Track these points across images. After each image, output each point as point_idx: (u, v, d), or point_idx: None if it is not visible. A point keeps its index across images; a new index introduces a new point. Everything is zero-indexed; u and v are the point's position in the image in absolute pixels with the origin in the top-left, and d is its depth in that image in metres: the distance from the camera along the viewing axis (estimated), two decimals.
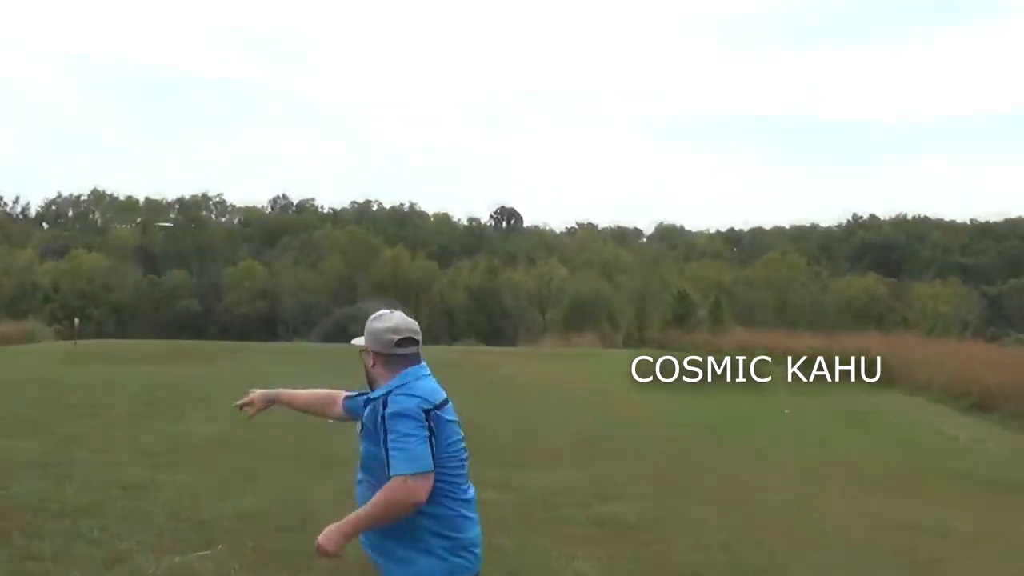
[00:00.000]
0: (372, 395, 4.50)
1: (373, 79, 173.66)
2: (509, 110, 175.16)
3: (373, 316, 4.60)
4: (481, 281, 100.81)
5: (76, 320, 68.68)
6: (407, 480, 4.18)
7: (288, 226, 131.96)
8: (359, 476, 4.56)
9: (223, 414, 15.21)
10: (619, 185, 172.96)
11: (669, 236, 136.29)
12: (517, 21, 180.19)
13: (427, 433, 4.26)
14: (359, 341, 4.60)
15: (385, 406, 4.31)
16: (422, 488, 4.20)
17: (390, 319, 4.54)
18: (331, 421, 5.14)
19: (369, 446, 4.43)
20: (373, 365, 4.52)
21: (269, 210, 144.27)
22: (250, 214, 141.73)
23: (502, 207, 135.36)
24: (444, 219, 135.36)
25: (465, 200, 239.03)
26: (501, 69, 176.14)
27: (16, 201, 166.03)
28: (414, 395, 4.33)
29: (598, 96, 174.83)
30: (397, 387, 4.38)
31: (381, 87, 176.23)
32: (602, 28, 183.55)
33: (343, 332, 75.23)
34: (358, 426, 4.58)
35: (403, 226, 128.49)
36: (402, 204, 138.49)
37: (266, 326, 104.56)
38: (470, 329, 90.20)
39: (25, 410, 18.41)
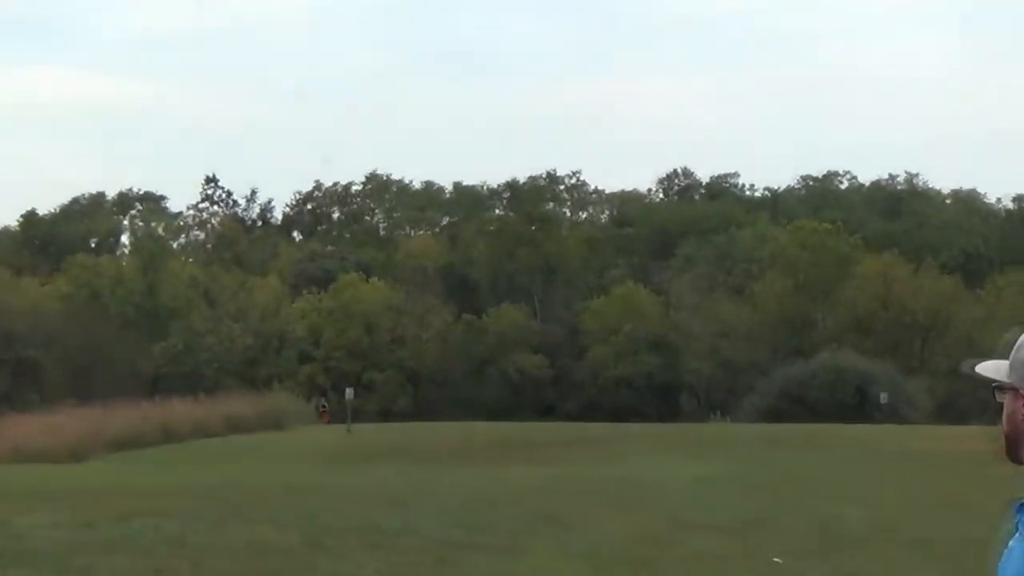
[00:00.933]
0: None
1: None
2: None
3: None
4: None
5: (349, 392, 56.33)
6: None
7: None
8: None
9: None
10: None
11: None
12: None
13: None
14: (991, 368, 3.02)
15: None
16: None
17: None
18: None
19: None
20: None
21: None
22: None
23: None
24: None
25: None
26: None
27: (252, 198, 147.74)
28: None
29: None
30: None
31: None
32: None
33: (797, 405, 69.14)
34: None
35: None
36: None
37: (660, 396, 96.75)
38: None
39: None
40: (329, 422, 62.29)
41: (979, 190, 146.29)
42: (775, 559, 14.19)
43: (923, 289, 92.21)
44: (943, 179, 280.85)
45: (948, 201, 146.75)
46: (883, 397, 62.53)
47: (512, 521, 15.99)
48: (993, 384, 3.02)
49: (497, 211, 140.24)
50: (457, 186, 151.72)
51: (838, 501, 21.05)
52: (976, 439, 40.03)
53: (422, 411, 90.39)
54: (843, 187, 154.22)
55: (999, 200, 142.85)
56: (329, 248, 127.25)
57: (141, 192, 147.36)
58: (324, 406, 69.43)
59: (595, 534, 15.11)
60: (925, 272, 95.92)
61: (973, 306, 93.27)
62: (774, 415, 68.24)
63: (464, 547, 13.54)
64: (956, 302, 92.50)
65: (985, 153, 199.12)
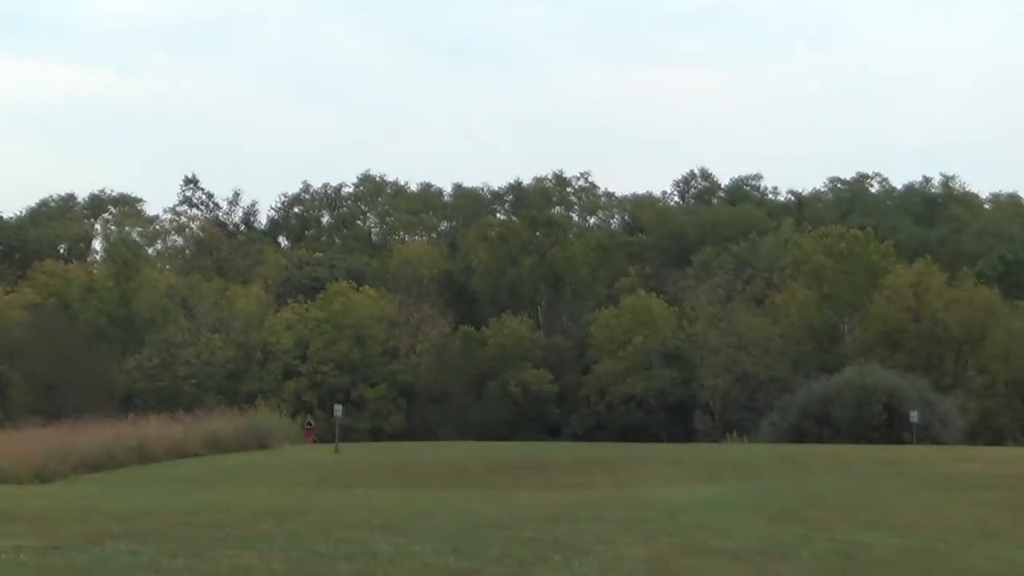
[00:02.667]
0: None
1: None
2: None
3: None
4: None
5: (338, 409, 55.93)
6: None
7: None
8: None
9: None
10: None
11: None
12: None
13: None
14: None
15: None
16: None
17: None
18: None
19: None
20: None
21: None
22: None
23: None
24: None
25: None
26: None
27: (234, 201, 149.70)
28: None
29: None
30: None
31: None
32: None
33: (820, 424, 69.07)
34: None
35: None
36: None
37: (673, 414, 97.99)
38: None
39: None
40: (315, 441, 62.41)
41: (1021, 194, 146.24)
42: None
43: (958, 300, 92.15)
44: (982, 182, 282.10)
45: (987, 206, 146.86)
46: (914, 416, 62.49)
47: (517, 547, 15.96)
48: None
49: (499, 215, 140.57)
50: (457, 188, 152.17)
51: (865, 527, 21.05)
52: (1015, 461, 40.08)
53: (416, 430, 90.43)
54: (874, 190, 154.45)
55: None
56: (318, 254, 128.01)
57: (115, 194, 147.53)
58: (310, 424, 69.68)
59: (607, 561, 15.11)
60: (961, 282, 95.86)
61: (1012, 318, 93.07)
62: (796, 435, 68.28)
63: (463, 574, 13.55)
64: (994, 314, 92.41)
65: None
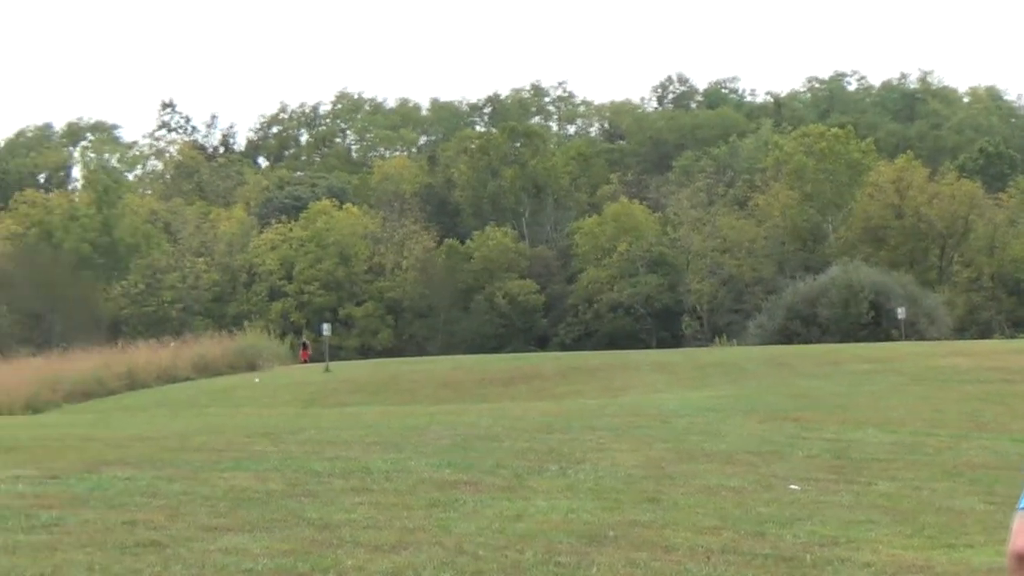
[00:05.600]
0: None
1: None
2: None
3: None
4: None
5: (326, 328, 53.65)
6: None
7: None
8: None
9: None
10: None
11: None
12: None
13: None
14: None
15: None
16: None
17: None
18: None
19: None
20: None
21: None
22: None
23: None
24: None
25: None
26: None
27: (212, 124, 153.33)
28: None
29: None
30: None
31: None
32: None
33: (808, 324, 69.17)
34: None
35: None
36: None
37: (661, 320, 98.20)
38: None
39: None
40: (308, 360, 62.47)
41: (999, 86, 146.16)
42: (792, 486, 14.27)
43: (941, 195, 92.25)
44: (960, 76, 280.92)
45: (966, 99, 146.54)
46: (900, 312, 62.64)
47: (512, 458, 16.01)
48: None
49: (478, 128, 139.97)
50: (434, 103, 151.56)
51: (857, 425, 21.15)
52: (1004, 354, 40.27)
53: (405, 346, 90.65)
54: (852, 88, 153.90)
55: (1021, 96, 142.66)
56: (298, 174, 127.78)
57: (92, 121, 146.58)
58: (305, 343, 69.61)
59: (602, 469, 15.16)
60: (942, 176, 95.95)
61: (995, 211, 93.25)
62: (783, 336, 68.51)
63: (460, 486, 13.51)
64: (977, 207, 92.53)
65: (1006, 46, 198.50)
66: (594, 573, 9.62)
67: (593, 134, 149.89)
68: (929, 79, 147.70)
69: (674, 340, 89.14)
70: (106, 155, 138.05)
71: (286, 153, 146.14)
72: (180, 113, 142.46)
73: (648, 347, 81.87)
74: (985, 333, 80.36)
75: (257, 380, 47.89)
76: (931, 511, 12.72)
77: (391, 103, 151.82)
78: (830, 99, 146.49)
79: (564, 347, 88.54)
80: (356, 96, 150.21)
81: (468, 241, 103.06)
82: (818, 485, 14.36)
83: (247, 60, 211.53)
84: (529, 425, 20.79)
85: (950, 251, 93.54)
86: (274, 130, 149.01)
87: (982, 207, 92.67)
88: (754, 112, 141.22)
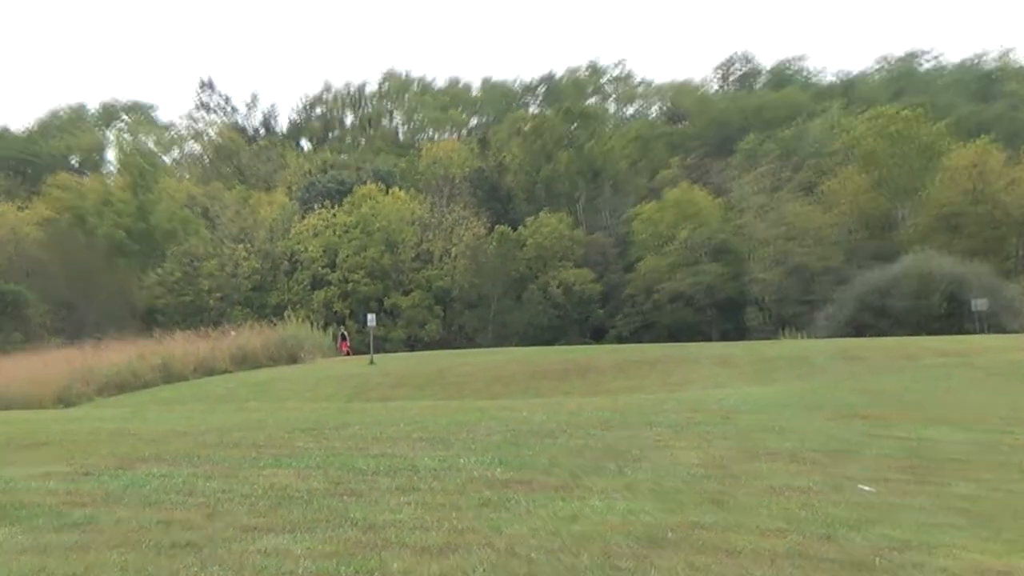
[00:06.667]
0: None
1: None
2: None
3: None
4: None
5: (371, 319, 54.23)
6: None
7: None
8: None
9: None
10: None
11: None
12: None
13: None
14: None
15: None
16: None
17: None
18: None
19: None
20: None
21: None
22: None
23: None
24: None
25: None
26: None
27: (253, 104, 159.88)
28: None
29: None
30: None
31: None
32: None
33: (879, 316, 68.94)
34: None
35: None
36: None
37: (724, 311, 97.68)
38: None
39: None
40: (349, 353, 62.65)
41: None
42: (863, 487, 14.14)
43: (1020, 180, 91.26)
44: None
45: None
46: (977, 304, 62.12)
47: (567, 456, 15.91)
48: None
49: (532, 109, 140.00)
50: (485, 83, 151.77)
51: (932, 423, 20.95)
52: None
53: (454, 338, 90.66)
54: (926, 68, 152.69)
55: None
56: (342, 157, 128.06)
57: (127, 102, 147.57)
58: (344, 335, 69.78)
59: (662, 468, 15.07)
60: (1022, 160, 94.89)
61: None
62: (853, 328, 68.12)
63: (512, 485, 13.43)
64: None
65: None
66: None
67: (652, 116, 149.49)
68: (1008, 58, 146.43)
69: (738, 332, 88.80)
70: (142, 137, 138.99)
71: (330, 135, 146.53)
72: (219, 93, 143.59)
73: (710, 339, 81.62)
74: None
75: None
76: (1010, 514, 12.57)
77: (440, 83, 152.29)
78: (902, 79, 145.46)
79: (621, 339, 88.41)
80: (404, 76, 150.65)
81: (521, 228, 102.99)
82: (890, 486, 14.22)
83: (290, 38, 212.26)
84: (584, 421, 20.72)
85: None
86: (317, 111, 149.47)
87: None
88: (822, 93, 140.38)
